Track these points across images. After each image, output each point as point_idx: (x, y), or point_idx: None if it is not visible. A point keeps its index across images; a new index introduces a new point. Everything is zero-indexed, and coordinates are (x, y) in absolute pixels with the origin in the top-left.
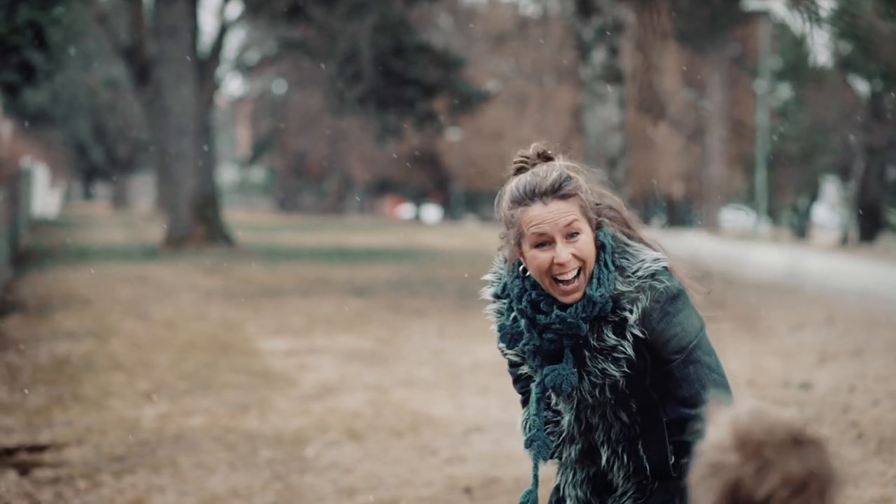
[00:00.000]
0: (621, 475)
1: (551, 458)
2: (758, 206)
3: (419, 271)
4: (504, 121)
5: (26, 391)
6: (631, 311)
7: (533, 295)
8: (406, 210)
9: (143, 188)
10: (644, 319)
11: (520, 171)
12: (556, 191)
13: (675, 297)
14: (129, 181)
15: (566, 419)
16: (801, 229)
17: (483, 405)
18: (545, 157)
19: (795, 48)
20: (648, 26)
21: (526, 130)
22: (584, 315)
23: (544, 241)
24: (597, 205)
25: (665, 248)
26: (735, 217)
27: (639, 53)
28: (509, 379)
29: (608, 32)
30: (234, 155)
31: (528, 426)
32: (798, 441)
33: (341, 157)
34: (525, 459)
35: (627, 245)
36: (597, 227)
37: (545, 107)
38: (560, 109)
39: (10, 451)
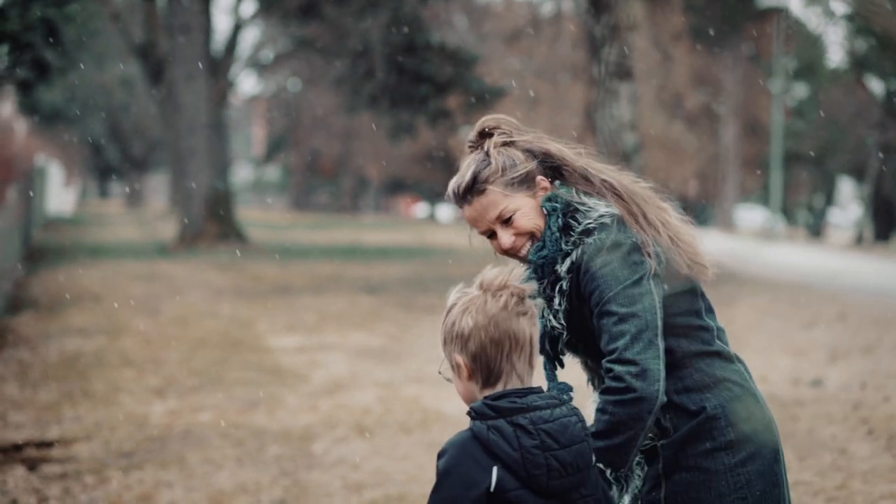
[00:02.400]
0: None
1: None
2: (773, 206)
3: (432, 269)
4: (518, 119)
5: (35, 387)
6: (562, 267)
7: None
8: (420, 209)
9: (157, 186)
10: (577, 274)
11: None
12: (471, 190)
13: (601, 251)
14: (143, 179)
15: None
16: (817, 228)
17: None
18: (486, 136)
19: (810, 47)
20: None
21: (539, 128)
22: (533, 276)
23: (488, 233)
24: (546, 165)
25: (626, 186)
26: (750, 216)
27: (652, 50)
28: None
29: (620, 29)
30: (249, 153)
31: None
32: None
33: (356, 155)
34: None
35: (581, 203)
36: (551, 187)
37: (558, 105)
38: (573, 107)
39: (18, 447)
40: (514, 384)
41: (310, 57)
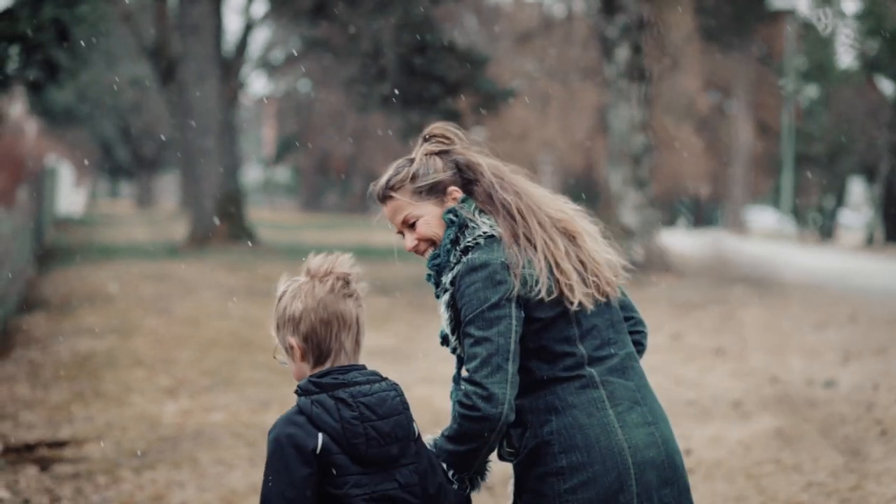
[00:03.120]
0: None
1: None
2: (784, 207)
3: None
4: (528, 120)
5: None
6: (447, 279)
7: None
8: None
9: (167, 187)
10: (455, 289)
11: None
12: (383, 195)
13: (471, 271)
14: (153, 180)
15: None
16: (827, 230)
17: None
18: (426, 141)
19: (821, 48)
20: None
21: (550, 130)
22: (432, 283)
23: (400, 232)
24: (463, 177)
25: (527, 209)
26: (760, 217)
27: (662, 52)
28: None
29: (632, 30)
30: (259, 154)
31: None
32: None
33: (366, 156)
34: None
35: (471, 220)
36: (456, 200)
37: (569, 106)
38: (584, 109)
39: (30, 447)
40: (341, 362)
41: (320, 57)
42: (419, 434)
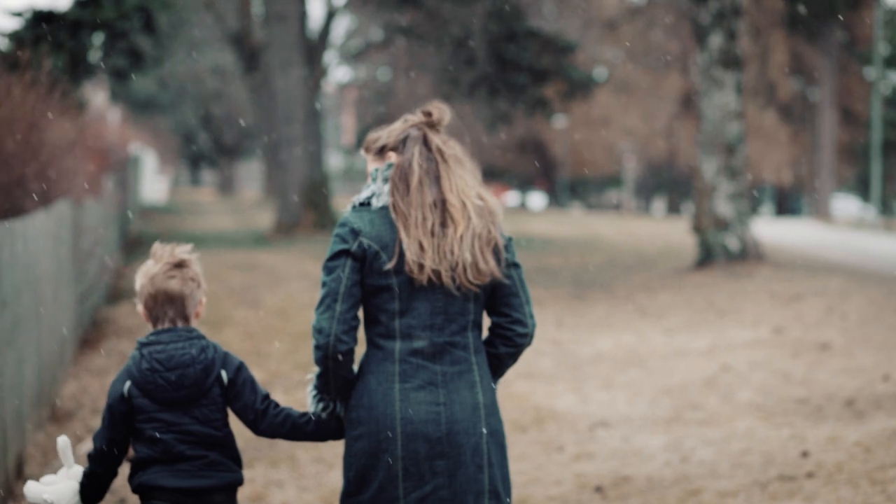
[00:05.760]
0: None
1: None
2: (873, 196)
3: (531, 259)
4: (610, 108)
5: None
6: None
7: None
8: (511, 197)
9: (248, 174)
10: None
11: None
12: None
13: (336, 226)
14: (234, 167)
15: None
16: None
17: (608, 399)
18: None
19: None
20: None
21: (632, 118)
22: None
23: None
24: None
25: (415, 186)
26: (844, 205)
27: (753, 39)
28: (634, 371)
29: (726, 16)
30: (338, 142)
31: None
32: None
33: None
34: (655, 457)
35: (371, 184)
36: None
37: (651, 94)
38: (667, 96)
39: None
40: (167, 326)
41: (403, 45)
42: (230, 380)
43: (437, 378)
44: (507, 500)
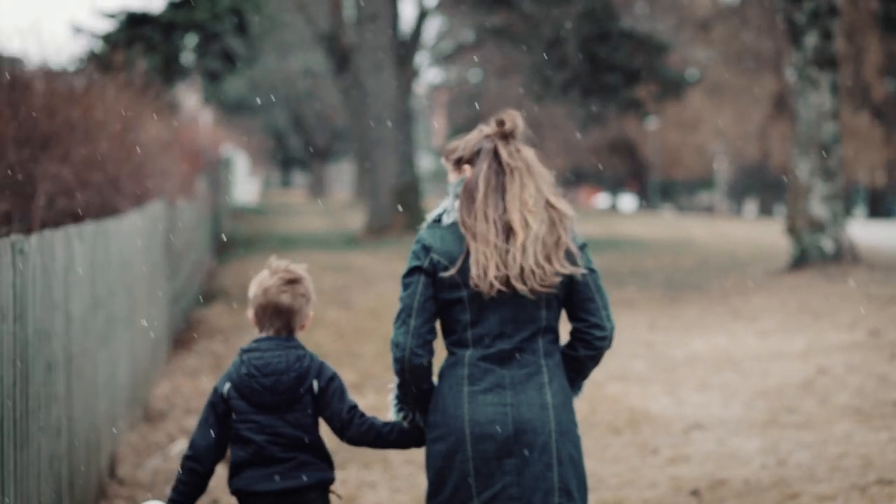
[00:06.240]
0: None
1: None
2: None
3: (624, 261)
4: (701, 109)
5: None
6: None
7: None
8: (602, 199)
9: (339, 176)
10: None
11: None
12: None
13: (414, 242)
14: (325, 169)
15: None
16: None
17: (702, 401)
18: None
19: None
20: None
21: (724, 119)
22: None
23: None
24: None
25: (482, 205)
26: None
27: (847, 39)
28: (728, 374)
29: (821, 16)
30: (429, 144)
31: None
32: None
33: (538, 146)
34: (751, 460)
35: (446, 199)
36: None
37: (744, 95)
38: (759, 97)
39: None
40: (270, 335)
41: (497, 46)
42: (321, 389)
43: (505, 381)
44: (582, 498)
